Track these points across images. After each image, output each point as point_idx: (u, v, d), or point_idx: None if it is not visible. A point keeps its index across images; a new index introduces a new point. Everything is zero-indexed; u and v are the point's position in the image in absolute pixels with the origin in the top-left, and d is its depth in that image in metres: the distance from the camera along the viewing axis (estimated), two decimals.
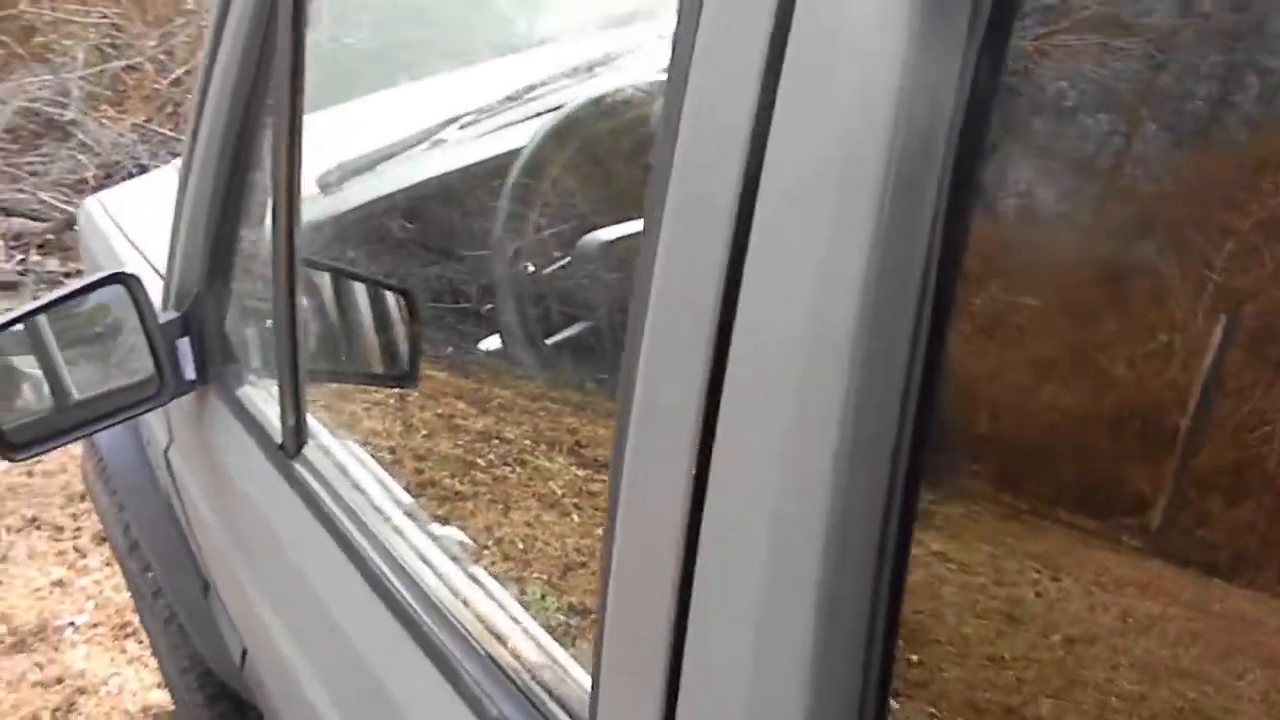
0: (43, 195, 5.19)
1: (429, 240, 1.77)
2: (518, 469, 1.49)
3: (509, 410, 1.63)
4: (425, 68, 2.64)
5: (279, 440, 1.23)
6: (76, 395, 1.51)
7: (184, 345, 1.46)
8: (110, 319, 1.51)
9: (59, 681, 2.79)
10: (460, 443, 1.56)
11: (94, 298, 1.51)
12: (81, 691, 2.74)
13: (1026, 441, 0.51)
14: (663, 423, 0.55)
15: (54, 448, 1.46)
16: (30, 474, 3.60)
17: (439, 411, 1.63)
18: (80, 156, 5.32)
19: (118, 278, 1.42)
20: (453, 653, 0.88)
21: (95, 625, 2.97)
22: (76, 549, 3.29)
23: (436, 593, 0.96)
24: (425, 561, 1.01)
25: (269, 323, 1.33)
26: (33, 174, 5.26)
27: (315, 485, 1.15)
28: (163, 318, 1.44)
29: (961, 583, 0.53)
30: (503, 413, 1.62)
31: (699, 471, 0.53)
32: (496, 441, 1.55)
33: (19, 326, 1.49)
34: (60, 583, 3.16)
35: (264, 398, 1.35)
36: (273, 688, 1.37)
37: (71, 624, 2.99)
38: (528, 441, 1.53)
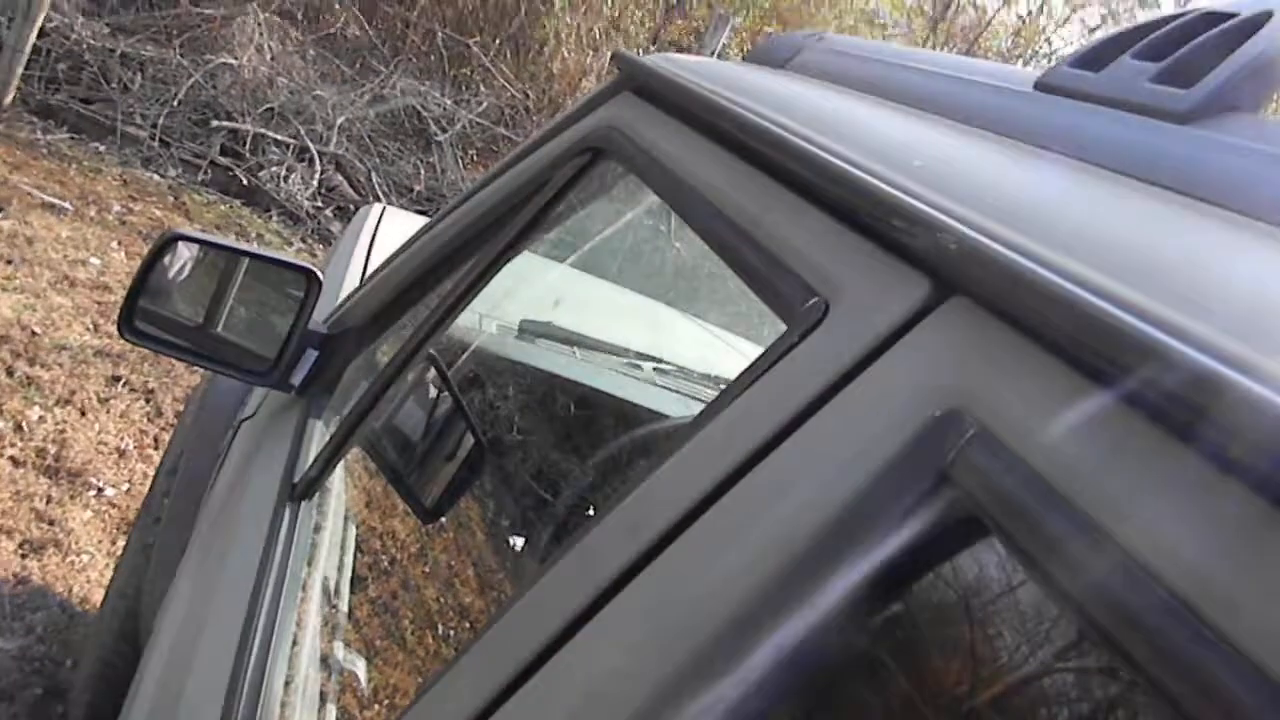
0: (375, 176, 5.72)
1: (556, 435, 1.85)
2: (455, 648, 1.50)
3: (500, 593, 1.65)
4: (697, 302, 2.75)
5: (295, 479, 1.31)
6: (218, 329, 1.66)
7: (310, 356, 1.58)
8: (284, 296, 1.66)
9: (50, 523, 2.92)
10: (437, 594, 1.59)
11: (287, 274, 1.67)
12: (57, 545, 2.85)
13: None
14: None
15: (161, 351, 1.59)
16: None
17: (449, 554, 1.67)
18: (422, 171, 5.85)
19: (308, 273, 1.57)
20: None
21: (114, 505, 3.10)
22: (157, 439, 3.47)
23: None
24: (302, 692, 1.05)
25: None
26: (380, 156, 5.82)
27: (283, 538, 1.21)
28: (313, 325, 1.57)
29: None
30: (493, 593, 1.64)
31: None
32: (461, 611, 1.57)
33: (225, 255, 1.67)
34: (121, 452, 3.34)
35: (322, 440, 1.43)
36: (143, 674, 1.41)
37: (99, 490, 3.14)
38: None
